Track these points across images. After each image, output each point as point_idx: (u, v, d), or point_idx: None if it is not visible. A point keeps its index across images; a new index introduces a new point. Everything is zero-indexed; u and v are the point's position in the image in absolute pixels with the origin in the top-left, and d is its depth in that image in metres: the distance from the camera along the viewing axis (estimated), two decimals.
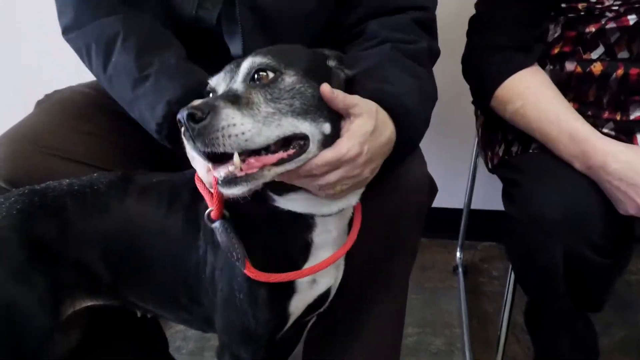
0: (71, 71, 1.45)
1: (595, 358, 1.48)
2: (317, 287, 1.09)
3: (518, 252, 1.29)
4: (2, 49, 2.20)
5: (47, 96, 1.37)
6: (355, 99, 0.93)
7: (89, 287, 1.12)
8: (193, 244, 1.07)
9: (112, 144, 1.28)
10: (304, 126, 0.87)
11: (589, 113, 1.26)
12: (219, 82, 0.92)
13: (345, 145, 0.89)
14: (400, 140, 1.00)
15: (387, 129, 0.97)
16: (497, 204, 2.15)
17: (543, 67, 1.31)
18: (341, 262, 1.13)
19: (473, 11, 1.41)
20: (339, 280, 1.14)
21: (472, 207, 2.08)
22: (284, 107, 0.86)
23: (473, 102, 1.53)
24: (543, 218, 1.15)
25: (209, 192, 0.98)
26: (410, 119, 1.01)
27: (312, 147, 0.88)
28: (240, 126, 0.80)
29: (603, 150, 1.13)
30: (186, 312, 1.18)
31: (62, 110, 1.27)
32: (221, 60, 1.21)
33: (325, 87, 0.90)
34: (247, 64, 0.89)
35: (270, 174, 0.84)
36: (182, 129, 0.80)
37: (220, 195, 0.94)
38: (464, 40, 1.41)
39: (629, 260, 1.31)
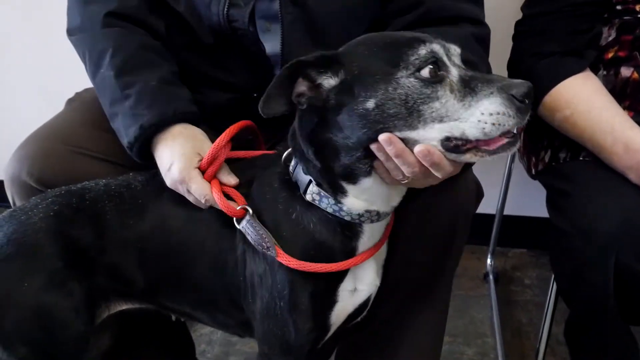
0: None
1: None
2: (358, 295, 1.06)
3: (565, 265, 1.24)
4: (29, 48, 2.21)
5: (77, 94, 1.36)
6: None
7: (124, 291, 1.11)
8: (231, 243, 1.05)
9: None
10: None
11: None
12: (442, 54, 0.86)
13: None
14: None
15: None
16: (531, 211, 2.14)
17: (596, 72, 1.27)
18: (380, 269, 1.09)
19: (516, 13, 1.37)
20: (377, 287, 1.10)
21: (505, 212, 2.03)
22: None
23: None
24: (596, 232, 1.10)
25: (221, 194, 1.01)
26: None
27: None
28: None
29: None
30: (223, 315, 1.16)
31: (92, 109, 1.25)
32: (253, 60, 1.19)
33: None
34: (458, 47, 0.90)
35: None
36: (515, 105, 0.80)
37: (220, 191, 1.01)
38: (503, 43, 1.36)
39: None
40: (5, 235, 1.01)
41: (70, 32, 1.22)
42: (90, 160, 1.18)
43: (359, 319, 1.14)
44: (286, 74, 0.85)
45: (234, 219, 1.00)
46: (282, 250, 0.96)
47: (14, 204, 1.18)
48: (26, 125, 1.24)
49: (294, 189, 0.98)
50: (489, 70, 1.15)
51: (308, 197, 0.96)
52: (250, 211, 0.99)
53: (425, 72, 0.83)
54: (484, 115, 0.80)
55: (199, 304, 1.15)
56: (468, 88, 0.82)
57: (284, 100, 0.87)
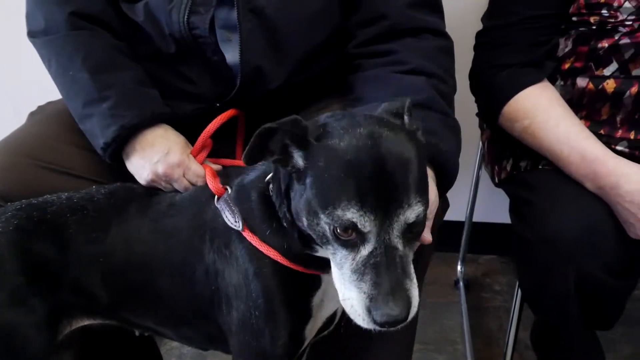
0: None
1: None
2: (325, 309, 1.06)
3: (529, 272, 1.26)
4: None
5: (40, 108, 1.35)
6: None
7: (88, 307, 1.09)
8: (200, 251, 1.04)
9: None
10: None
11: (602, 132, 1.23)
12: (370, 227, 0.79)
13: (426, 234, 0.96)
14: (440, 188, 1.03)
15: (435, 195, 1.00)
16: (499, 217, 2.16)
17: (553, 82, 1.29)
18: None
19: (478, 23, 1.39)
20: None
21: (474, 219, 2.06)
22: (414, 246, 0.86)
23: (478, 115, 1.50)
24: (558, 240, 1.12)
25: (213, 173, 1.08)
26: (454, 179, 1.06)
27: None
28: (417, 297, 0.81)
29: (616, 171, 1.11)
30: (188, 328, 1.14)
31: (56, 122, 1.25)
32: (215, 70, 1.20)
33: (427, 240, 0.97)
34: (409, 219, 0.79)
35: None
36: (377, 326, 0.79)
37: (212, 171, 1.08)
38: (466, 52, 1.38)
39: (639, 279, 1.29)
40: None
41: (32, 35, 1.21)
42: (53, 174, 1.17)
43: (325, 332, 1.14)
44: (259, 138, 0.83)
45: (216, 197, 1.04)
46: (247, 228, 0.97)
47: None
48: None
49: (272, 205, 0.97)
50: (454, 86, 1.18)
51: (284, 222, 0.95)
52: (230, 190, 1.03)
53: (340, 231, 0.81)
54: (348, 300, 0.81)
55: (164, 317, 1.14)
56: (365, 268, 0.80)
57: (263, 155, 0.87)
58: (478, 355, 1.77)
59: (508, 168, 1.38)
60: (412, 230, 0.81)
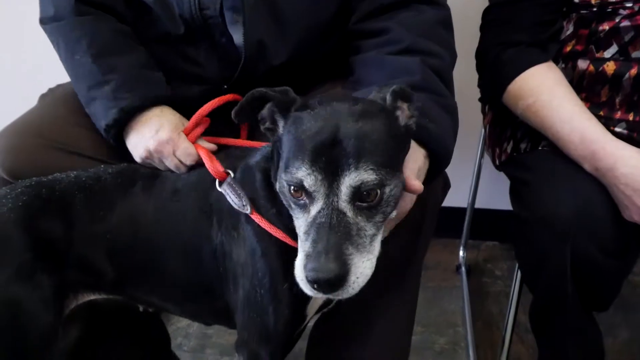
0: None
1: (601, 358, 1.47)
2: None
3: (526, 252, 1.27)
4: (3, 45, 2.19)
5: (50, 90, 1.37)
6: (412, 166, 0.96)
7: (93, 282, 1.11)
8: (207, 232, 1.06)
9: None
10: (385, 223, 0.89)
11: (601, 113, 1.24)
12: (316, 187, 0.83)
13: (404, 204, 0.97)
14: (432, 170, 1.04)
15: (425, 168, 1.01)
16: (501, 204, 2.17)
17: (555, 65, 1.30)
18: None
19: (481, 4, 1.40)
20: None
21: (476, 206, 2.07)
22: (379, 220, 0.86)
23: (480, 100, 1.51)
24: (553, 219, 1.14)
25: (211, 156, 1.09)
26: (448, 159, 1.06)
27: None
28: (364, 270, 0.82)
29: (613, 153, 1.12)
30: (193, 304, 1.17)
31: (65, 105, 1.27)
32: (222, 52, 1.21)
33: (417, 188, 0.93)
34: (353, 183, 0.81)
35: None
36: (310, 285, 0.81)
37: (209, 153, 1.10)
38: (468, 37, 1.39)
39: (635, 260, 1.30)
40: None
41: (43, 22, 1.24)
42: (63, 154, 1.20)
43: (326, 309, 1.17)
44: (250, 98, 0.90)
45: (217, 181, 1.05)
46: (254, 209, 1.00)
47: None
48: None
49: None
50: (453, 59, 1.17)
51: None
52: (232, 174, 1.04)
53: (292, 191, 0.86)
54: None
55: (169, 294, 1.16)
56: (311, 228, 0.83)
57: (252, 117, 0.92)
58: (478, 338, 1.79)
59: (508, 150, 1.39)
60: (363, 199, 0.82)
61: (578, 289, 1.21)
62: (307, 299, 1.06)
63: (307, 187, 0.83)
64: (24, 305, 1.02)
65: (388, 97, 0.89)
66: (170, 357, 1.60)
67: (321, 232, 0.80)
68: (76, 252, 1.06)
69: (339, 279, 0.78)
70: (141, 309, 1.25)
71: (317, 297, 0.83)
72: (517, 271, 1.48)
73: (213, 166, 1.06)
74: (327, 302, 1.13)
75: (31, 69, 2.11)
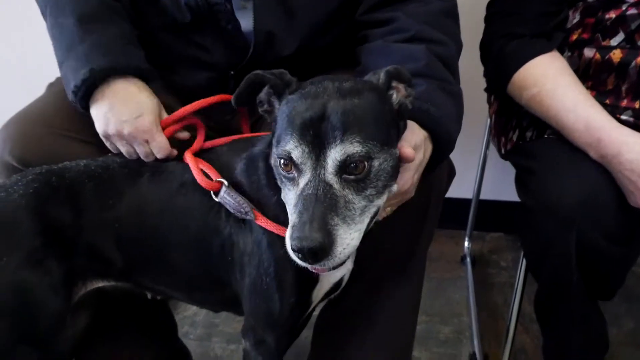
0: None
1: (605, 348, 1.48)
2: (331, 275, 1.09)
3: (531, 240, 1.28)
4: (8, 36, 2.21)
5: (58, 79, 1.37)
6: (409, 138, 0.96)
7: (101, 270, 1.12)
8: (215, 226, 1.07)
9: None
10: (382, 200, 0.90)
11: (607, 101, 1.24)
12: (303, 159, 0.85)
13: (402, 182, 0.96)
14: (436, 156, 1.05)
15: (428, 151, 1.02)
16: (506, 195, 2.18)
17: (561, 54, 1.30)
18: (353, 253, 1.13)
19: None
20: (350, 269, 1.14)
21: (481, 197, 2.07)
22: (371, 194, 0.87)
23: (486, 90, 1.52)
24: (559, 206, 1.14)
25: (199, 170, 1.06)
26: (450, 145, 1.06)
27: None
28: (351, 241, 0.83)
29: (618, 139, 1.13)
30: (201, 293, 1.18)
31: None
32: (229, 38, 1.21)
33: (409, 154, 0.92)
34: (338, 156, 0.83)
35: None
36: (296, 254, 0.82)
37: (196, 165, 1.06)
38: (474, 28, 1.40)
39: None
40: None
41: None
42: (72, 142, 1.20)
43: (332, 296, 1.18)
44: (248, 81, 0.93)
45: (212, 192, 1.04)
46: (260, 213, 1.01)
47: None
48: (4, 111, 1.25)
49: None
50: (459, 47, 1.18)
51: None
52: (226, 183, 1.03)
53: (282, 164, 0.88)
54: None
55: (178, 283, 1.17)
56: (298, 200, 0.84)
57: (251, 100, 0.95)
58: (483, 328, 1.80)
59: (514, 138, 1.40)
60: (350, 172, 0.84)
61: (583, 277, 1.22)
62: (312, 286, 1.07)
63: (295, 159, 0.85)
64: (34, 290, 1.02)
65: (381, 76, 0.91)
66: (177, 345, 1.61)
67: (307, 203, 0.82)
68: (85, 240, 1.07)
69: (323, 249, 0.79)
70: (149, 296, 1.26)
71: (305, 265, 0.84)
72: (522, 262, 1.49)
73: (203, 179, 1.04)
74: (333, 289, 1.14)
75: (37, 60, 2.12)
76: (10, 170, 1.16)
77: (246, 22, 1.19)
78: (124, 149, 1.13)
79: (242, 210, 1.02)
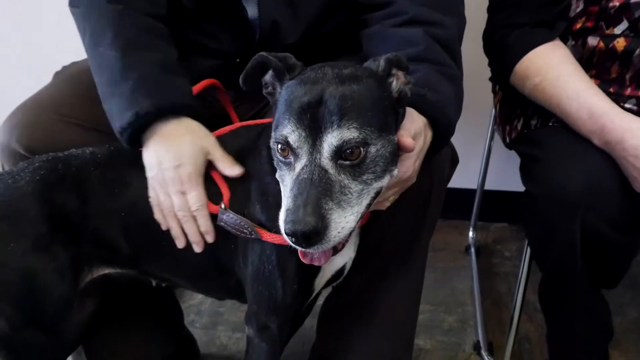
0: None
1: (609, 336, 1.48)
2: (333, 263, 1.10)
3: (536, 228, 1.28)
4: (16, 25, 2.21)
5: (64, 67, 1.38)
6: (409, 126, 0.96)
7: (107, 257, 1.13)
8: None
9: None
10: (383, 181, 0.90)
11: (611, 90, 1.24)
12: (300, 143, 0.85)
13: (404, 169, 0.96)
14: (436, 142, 1.04)
15: (428, 137, 1.01)
16: (511, 185, 2.18)
17: (564, 42, 1.30)
18: (356, 241, 1.14)
19: None
20: (352, 258, 1.15)
21: (486, 187, 2.08)
22: (369, 178, 0.87)
23: (491, 79, 1.52)
24: (563, 193, 1.14)
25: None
26: (450, 129, 1.06)
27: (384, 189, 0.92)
28: (346, 224, 0.83)
29: (622, 126, 1.13)
30: (207, 281, 1.20)
31: (80, 81, 1.27)
32: (236, 26, 1.21)
33: (408, 144, 0.92)
34: (334, 141, 0.84)
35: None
36: (290, 238, 0.82)
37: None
38: (478, 17, 1.39)
39: None
40: None
41: (73, 4, 1.18)
42: (78, 129, 1.20)
43: (335, 284, 1.19)
44: (254, 63, 0.94)
45: (217, 217, 1.05)
46: (263, 230, 1.02)
47: None
48: (12, 99, 1.26)
49: None
50: (461, 26, 1.17)
51: None
52: (223, 206, 1.04)
53: (279, 149, 0.89)
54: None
55: (183, 271, 1.18)
56: (294, 185, 0.85)
57: (258, 82, 0.96)
58: (487, 316, 1.81)
59: (519, 127, 1.40)
60: (346, 157, 0.84)
61: (587, 265, 1.22)
62: (314, 274, 1.08)
63: (291, 143, 0.86)
64: (40, 276, 1.03)
65: (381, 63, 0.91)
66: (183, 333, 1.63)
67: (302, 187, 0.83)
68: (91, 227, 1.08)
69: (316, 232, 0.80)
70: (154, 284, 1.27)
71: (298, 249, 0.86)
72: (527, 251, 1.49)
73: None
74: (335, 277, 1.15)
75: (45, 49, 2.14)
76: (17, 157, 1.17)
77: (252, 9, 1.19)
78: (162, 198, 1.07)
79: (245, 232, 1.03)
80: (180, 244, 1.08)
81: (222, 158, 1.07)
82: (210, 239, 1.06)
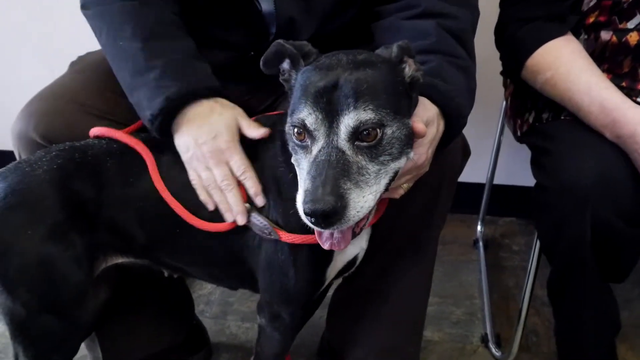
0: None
1: (617, 330, 1.49)
2: (345, 253, 1.11)
3: (546, 220, 1.28)
4: (32, 15, 2.23)
5: (80, 58, 1.39)
6: (421, 114, 0.97)
7: (123, 246, 1.14)
8: None
9: None
10: (400, 162, 0.91)
11: (623, 84, 1.25)
12: (317, 126, 0.87)
13: (417, 156, 0.97)
14: (448, 133, 1.05)
15: (440, 126, 1.02)
16: (520, 180, 2.18)
17: (577, 36, 1.30)
18: (367, 232, 1.15)
19: None
20: (364, 249, 1.16)
21: (495, 182, 2.08)
22: (385, 159, 0.88)
23: (502, 73, 1.52)
24: (574, 186, 1.15)
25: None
26: (461, 120, 1.06)
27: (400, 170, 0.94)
28: (365, 203, 0.85)
29: (634, 119, 1.13)
30: (220, 270, 1.21)
31: (96, 71, 1.28)
32: (249, 19, 1.22)
33: (420, 130, 0.93)
34: (351, 122, 0.85)
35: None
36: (309, 218, 0.83)
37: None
38: (490, 11, 1.39)
39: None
40: (9, 185, 1.04)
41: (85, 7, 1.19)
42: (95, 119, 1.21)
43: (347, 273, 1.20)
44: (273, 49, 0.96)
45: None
46: (281, 230, 1.04)
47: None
48: (27, 89, 1.27)
49: None
50: (474, 16, 1.18)
51: None
52: (248, 206, 1.06)
53: (296, 133, 0.90)
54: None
55: (197, 260, 1.20)
56: (311, 167, 0.86)
57: (277, 67, 0.99)
58: (495, 309, 1.82)
59: (530, 120, 1.40)
60: (363, 139, 0.86)
61: (596, 257, 1.22)
62: (326, 263, 1.09)
63: (308, 125, 0.87)
64: (57, 262, 1.05)
65: (394, 50, 0.93)
66: (194, 322, 1.65)
67: (320, 168, 0.84)
68: (107, 215, 1.09)
69: (336, 212, 0.81)
70: (166, 274, 1.28)
71: (318, 230, 0.87)
72: (535, 245, 1.49)
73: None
74: (346, 267, 1.16)
75: (61, 40, 2.15)
76: (34, 146, 1.18)
77: (266, 4, 1.19)
78: (204, 175, 1.08)
79: (265, 232, 1.05)
80: (229, 217, 1.08)
81: (249, 125, 1.09)
82: (260, 202, 1.07)
